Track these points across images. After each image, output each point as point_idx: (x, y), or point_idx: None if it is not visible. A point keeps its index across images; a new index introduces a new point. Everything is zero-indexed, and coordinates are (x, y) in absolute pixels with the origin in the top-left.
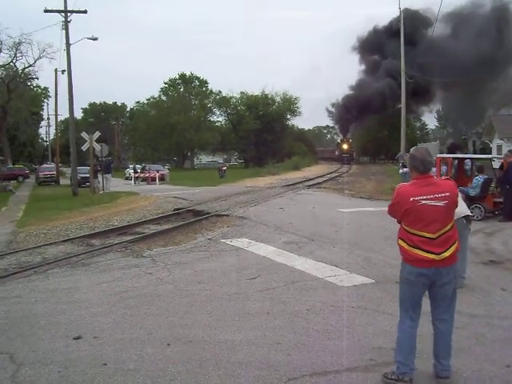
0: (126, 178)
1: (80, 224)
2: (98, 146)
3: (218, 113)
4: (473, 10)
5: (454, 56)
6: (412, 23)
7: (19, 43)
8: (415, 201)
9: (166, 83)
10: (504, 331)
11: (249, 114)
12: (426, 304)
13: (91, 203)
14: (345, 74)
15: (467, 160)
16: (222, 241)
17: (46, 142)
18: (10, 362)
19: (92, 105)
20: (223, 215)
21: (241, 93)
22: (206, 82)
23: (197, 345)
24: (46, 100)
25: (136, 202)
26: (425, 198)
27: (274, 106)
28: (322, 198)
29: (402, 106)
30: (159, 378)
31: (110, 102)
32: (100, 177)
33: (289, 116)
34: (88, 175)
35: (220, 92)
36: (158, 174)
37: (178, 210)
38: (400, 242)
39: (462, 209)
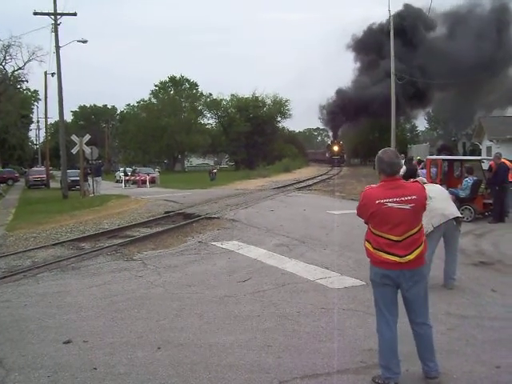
0: (117, 181)
1: (70, 227)
2: (88, 149)
3: (208, 115)
4: (471, 8)
5: (452, 57)
6: (414, 21)
7: (8, 46)
8: (381, 203)
9: (156, 86)
10: (494, 332)
11: (239, 116)
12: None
13: (81, 206)
14: (337, 76)
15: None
16: (213, 243)
17: (36, 145)
18: None
19: (82, 108)
20: (214, 218)
21: (231, 95)
22: (196, 85)
23: (187, 348)
24: (35, 103)
25: (126, 205)
26: (391, 200)
27: (265, 109)
28: (312, 200)
29: (392, 107)
30: (149, 381)
31: (101, 105)
32: (90, 180)
33: (279, 118)
34: (78, 178)
35: (210, 94)
36: (148, 177)
37: (168, 212)
38: (366, 244)
39: (452, 210)
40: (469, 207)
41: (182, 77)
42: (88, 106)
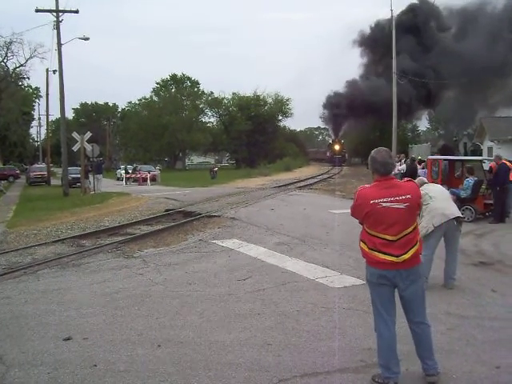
0: (118, 179)
1: (71, 224)
2: (89, 147)
3: (209, 114)
4: (481, 6)
5: (465, 56)
6: (426, 18)
7: (10, 43)
8: (375, 203)
9: (157, 83)
10: (494, 332)
11: (240, 114)
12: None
13: (82, 204)
14: (337, 76)
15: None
16: (213, 242)
17: (37, 142)
18: None
19: (83, 105)
20: (214, 216)
21: (232, 94)
22: (197, 83)
23: (187, 346)
24: (37, 100)
25: (127, 203)
26: (385, 200)
27: (266, 107)
28: (313, 199)
29: (394, 107)
30: (149, 379)
31: (102, 103)
32: (91, 177)
33: (280, 117)
34: (79, 176)
35: (212, 93)
36: (149, 175)
37: (169, 210)
38: (361, 244)
39: (453, 210)
40: (470, 207)
41: (184, 75)
42: (89, 103)
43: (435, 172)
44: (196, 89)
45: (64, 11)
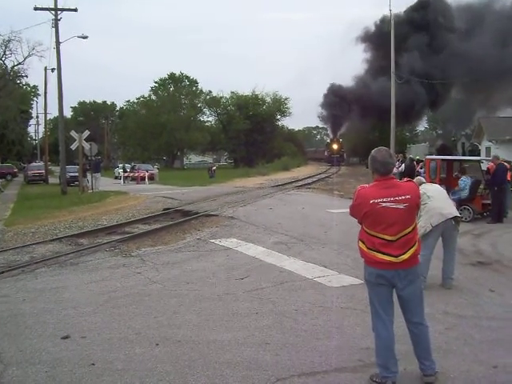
0: (116, 178)
1: (69, 223)
2: (87, 145)
3: (208, 113)
4: (488, 3)
5: (472, 56)
6: (436, 16)
7: (8, 41)
8: (375, 203)
9: (156, 82)
10: (492, 332)
11: (239, 114)
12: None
13: (80, 202)
14: (337, 75)
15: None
16: (211, 241)
17: (35, 140)
18: None
19: (82, 103)
20: (212, 215)
21: (231, 93)
22: (195, 82)
23: (185, 345)
24: (35, 98)
25: (125, 202)
26: (385, 200)
27: (264, 107)
28: (311, 198)
29: (392, 107)
30: (147, 377)
31: (100, 101)
32: (89, 176)
33: (279, 116)
34: (77, 174)
35: (210, 92)
36: (147, 174)
37: (167, 209)
38: (360, 244)
39: (451, 210)
40: (468, 207)
41: (182, 74)
42: (87, 101)
43: (433, 171)
44: (194, 88)
45: (63, 9)
